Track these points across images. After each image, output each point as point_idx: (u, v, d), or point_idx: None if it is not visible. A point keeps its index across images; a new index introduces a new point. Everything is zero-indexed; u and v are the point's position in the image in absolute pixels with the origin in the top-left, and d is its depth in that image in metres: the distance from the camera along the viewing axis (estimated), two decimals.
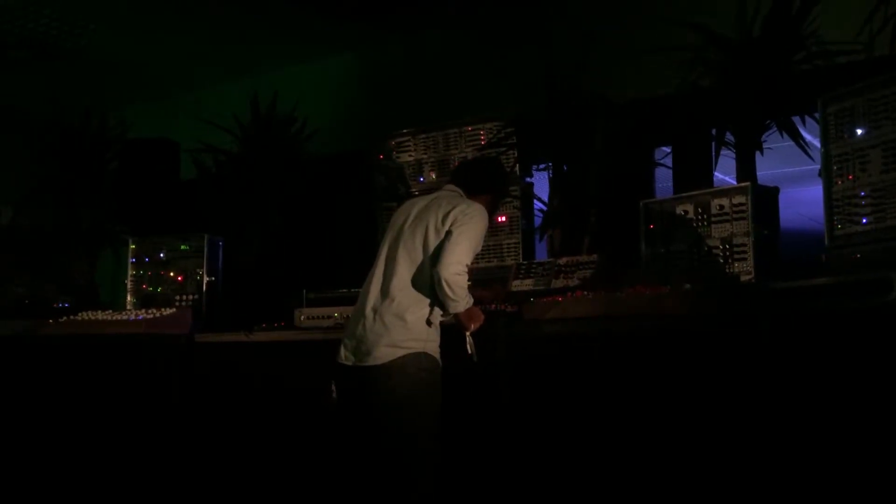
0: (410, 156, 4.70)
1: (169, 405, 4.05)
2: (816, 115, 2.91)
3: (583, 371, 2.95)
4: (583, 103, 3.93)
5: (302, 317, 3.89)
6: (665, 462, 2.72)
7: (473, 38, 5.26)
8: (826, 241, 2.80)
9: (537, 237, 4.26)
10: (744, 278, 3.02)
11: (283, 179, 5.07)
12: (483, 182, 3.15)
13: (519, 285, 3.74)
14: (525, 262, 3.94)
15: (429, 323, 2.84)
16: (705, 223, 3.18)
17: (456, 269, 2.76)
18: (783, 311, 2.51)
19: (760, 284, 2.92)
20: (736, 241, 3.08)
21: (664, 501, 2.72)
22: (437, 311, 2.86)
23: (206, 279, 4.60)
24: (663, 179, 4.27)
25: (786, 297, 2.52)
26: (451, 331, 2.91)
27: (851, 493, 2.30)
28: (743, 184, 3.16)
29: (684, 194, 3.34)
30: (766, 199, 3.11)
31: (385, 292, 2.87)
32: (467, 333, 2.89)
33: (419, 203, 3.04)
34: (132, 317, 4.23)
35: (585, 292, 3.11)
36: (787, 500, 2.43)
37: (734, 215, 3.09)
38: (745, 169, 3.44)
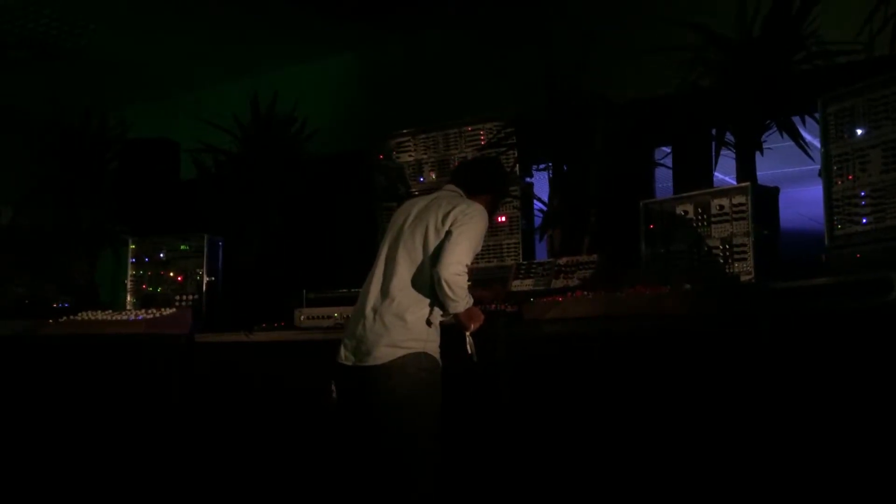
0: (410, 156, 4.70)
1: (169, 405, 4.05)
2: (816, 115, 2.90)
3: (583, 371, 2.95)
4: (583, 103, 3.93)
5: (302, 317, 3.89)
6: (665, 462, 2.72)
7: (473, 38, 5.26)
8: (826, 241, 2.80)
9: (537, 237, 4.26)
10: (744, 278, 3.02)
11: (283, 179, 5.07)
12: (483, 182, 3.15)
13: (519, 285, 3.74)
14: (525, 262, 3.94)
15: (429, 323, 2.84)
16: (705, 223, 3.18)
17: (456, 269, 2.76)
18: (783, 311, 2.51)
19: (760, 284, 2.92)
20: (736, 241, 3.08)
21: (664, 501, 2.72)
22: (437, 311, 2.86)
23: (206, 279, 4.60)
24: (663, 179, 4.27)
25: (786, 297, 2.52)
26: (451, 331, 2.91)
27: (852, 492, 2.30)
28: (743, 184, 3.16)
29: (684, 194, 3.34)
30: (766, 199, 3.11)
31: (385, 292, 2.87)
32: (467, 333, 2.89)
33: (419, 203, 3.04)
34: (132, 317, 4.23)
35: (585, 292, 3.11)
36: (787, 500, 2.43)
37: (734, 215, 3.09)
38: (745, 169, 3.44)
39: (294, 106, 5.09)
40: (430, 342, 2.84)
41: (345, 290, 3.99)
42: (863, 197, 2.69)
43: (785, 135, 3.42)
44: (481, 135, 4.47)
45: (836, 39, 3.30)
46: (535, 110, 4.11)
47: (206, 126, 5.01)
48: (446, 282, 2.74)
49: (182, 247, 4.71)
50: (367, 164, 4.88)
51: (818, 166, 2.88)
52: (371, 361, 2.79)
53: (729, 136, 3.52)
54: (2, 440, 4.43)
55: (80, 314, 4.50)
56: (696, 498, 2.64)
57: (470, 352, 2.89)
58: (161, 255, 4.76)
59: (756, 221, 3.04)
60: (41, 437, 4.36)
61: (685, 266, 3.23)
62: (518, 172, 4.22)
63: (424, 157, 4.66)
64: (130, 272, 4.84)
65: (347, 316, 3.23)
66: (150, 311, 4.29)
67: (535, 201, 4.27)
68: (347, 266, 4.30)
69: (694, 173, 4.00)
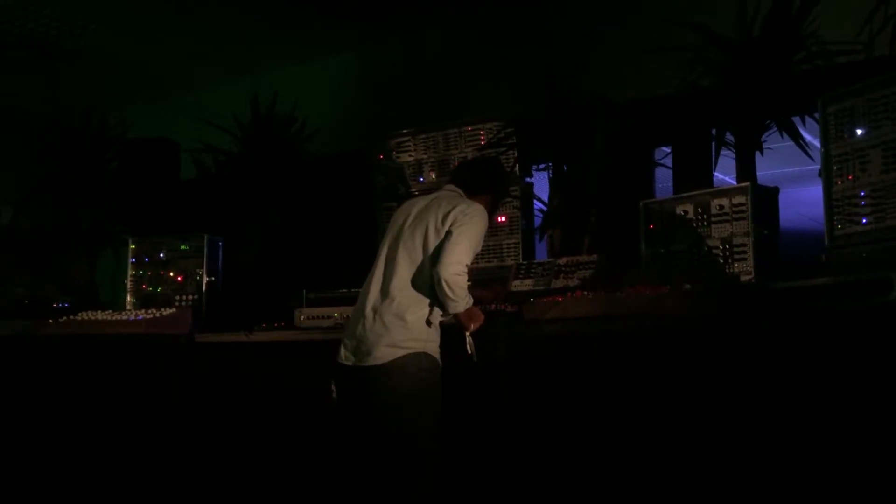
0: (410, 156, 4.70)
1: (169, 405, 4.05)
2: (816, 115, 2.90)
3: (583, 371, 2.95)
4: (583, 103, 3.93)
5: (302, 317, 3.89)
6: (665, 462, 2.71)
7: (473, 38, 5.26)
8: (826, 241, 2.80)
9: (537, 237, 4.26)
10: (744, 278, 3.02)
11: (283, 179, 5.07)
12: (483, 182, 3.15)
13: (519, 285, 3.74)
14: (525, 262, 3.94)
15: (429, 323, 2.84)
16: (705, 223, 3.18)
17: (456, 269, 2.76)
18: (783, 311, 2.51)
19: (760, 284, 2.92)
20: (736, 241, 3.08)
21: (664, 501, 2.72)
22: (437, 311, 2.86)
23: (206, 279, 4.60)
24: (663, 179, 4.27)
25: (786, 297, 2.52)
26: (451, 331, 2.91)
27: (851, 492, 2.30)
28: (743, 184, 3.16)
29: (684, 194, 3.34)
30: (766, 199, 3.11)
31: (385, 292, 2.87)
32: (467, 333, 2.88)
33: (419, 203, 3.04)
34: (132, 317, 4.23)
35: (585, 292, 3.11)
36: (787, 500, 2.43)
37: (734, 215, 3.09)
38: (745, 169, 3.44)
39: (294, 106, 5.09)
40: (430, 342, 2.84)
41: (345, 290, 3.99)
42: (863, 197, 2.69)
43: (785, 135, 3.42)
44: (481, 135, 4.47)
45: (836, 39, 3.30)
46: (535, 110, 4.11)
47: (206, 126, 5.01)
48: (446, 282, 2.74)
49: (182, 247, 4.71)
50: (367, 164, 4.88)
51: (818, 166, 2.88)
52: (371, 361, 2.79)
53: (729, 136, 3.52)
54: (2, 440, 4.43)
55: (80, 314, 4.50)
56: (696, 498, 2.64)
57: (470, 352, 2.89)
58: (161, 255, 4.76)
59: (756, 221, 3.04)
60: (41, 437, 4.36)
61: (685, 266, 3.23)
62: (518, 172, 4.22)
63: (424, 157, 4.66)
64: (130, 272, 4.84)
65: (347, 316, 3.23)
66: (150, 311, 4.29)
67: (535, 201, 4.27)
68: (347, 266, 4.30)
69: (694, 173, 4.00)
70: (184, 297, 4.62)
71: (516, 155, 4.24)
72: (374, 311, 2.86)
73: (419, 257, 2.87)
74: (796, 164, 3.99)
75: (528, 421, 3.07)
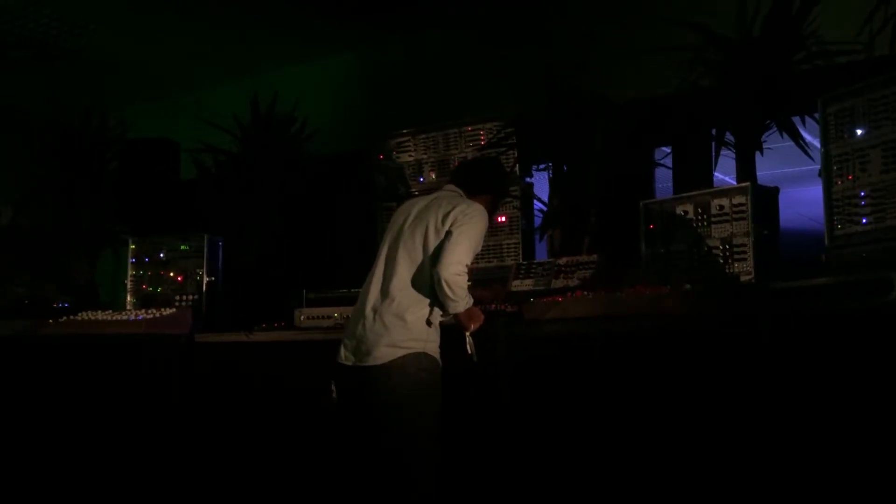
0: (410, 156, 4.70)
1: (169, 405, 4.05)
2: (816, 115, 2.90)
3: (583, 371, 2.95)
4: (583, 103, 3.93)
5: (302, 317, 3.89)
6: (665, 462, 2.71)
7: (473, 38, 5.26)
8: (826, 241, 2.80)
9: (537, 237, 4.26)
10: (744, 278, 3.02)
11: (283, 179, 5.07)
12: (483, 182, 3.15)
13: (519, 285, 3.74)
14: (525, 262, 3.94)
15: (429, 323, 2.84)
16: (705, 223, 3.18)
17: (456, 269, 2.76)
18: (783, 311, 2.51)
19: (760, 284, 2.92)
20: (736, 241, 3.08)
21: (664, 501, 2.72)
22: (437, 311, 2.86)
23: (206, 279, 4.60)
24: (663, 179, 4.26)
25: (786, 297, 2.52)
26: (451, 331, 2.91)
27: (851, 492, 2.30)
28: (743, 184, 3.16)
29: (684, 194, 3.34)
30: (766, 199, 3.11)
31: (385, 292, 2.87)
32: (467, 333, 2.88)
33: (419, 203, 3.04)
34: (132, 317, 4.23)
35: (585, 292, 3.11)
36: (787, 500, 2.43)
37: (734, 215, 3.09)
38: (745, 169, 3.44)
39: (294, 106, 5.08)
40: (430, 342, 2.84)
41: (345, 290, 3.99)
42: (863, 197, 2.69)
43: (785, 135, 3.42)
44: (481, 135, 4.47)
45: (836, 39, 3.30)
46: (535, 110, 4.11)
47: (206, 126, 5.01)
48: (446, 282, 2.74)
49: (182, 247, 4.71)
50: (367, 164, 4.88)
51: (818, 166, 2.88)
52: (371, 361, 2.79)
53: (729, 136, 3.52)
54: (2, 440, 4.43)
55: (80, 314, 4.50)
56: (696, 498, 2.64)
57: (470, 352, 2.89)
58: (161, 255, 4.76)
59: (756, 221, 3.04)
60: (41, 437, 4.36)
61: (685, 266, 3.23)
62: (518, 172, 4.22)
63: (424, 157, 4.66)
64: (130, 272, 4.84)
65: (347, 316, 3.23)
66: (150, 311, 4.29)
67: (535, 201, 4.27)
68: (347, 266, 4.30)
69: (694, 173, 4.00)
70: (184, 297, 4.62)
71: (516, 155, 4.24)
72: (374, 311, 2.86)
73: (419, 257, 2.87)
74: (796, 164, 3.99)
75: (528, 421, 3.07)
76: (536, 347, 3.10)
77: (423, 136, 4.66)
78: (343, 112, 5.80)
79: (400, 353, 2.77)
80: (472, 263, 2.86)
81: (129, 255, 4.86)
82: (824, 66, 3.34)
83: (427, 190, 3.96)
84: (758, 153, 3.45)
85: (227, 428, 3.93)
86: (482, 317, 2.91)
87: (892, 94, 2.61)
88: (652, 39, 3.67)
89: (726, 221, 3.11)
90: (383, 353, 2.77)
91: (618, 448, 2.83)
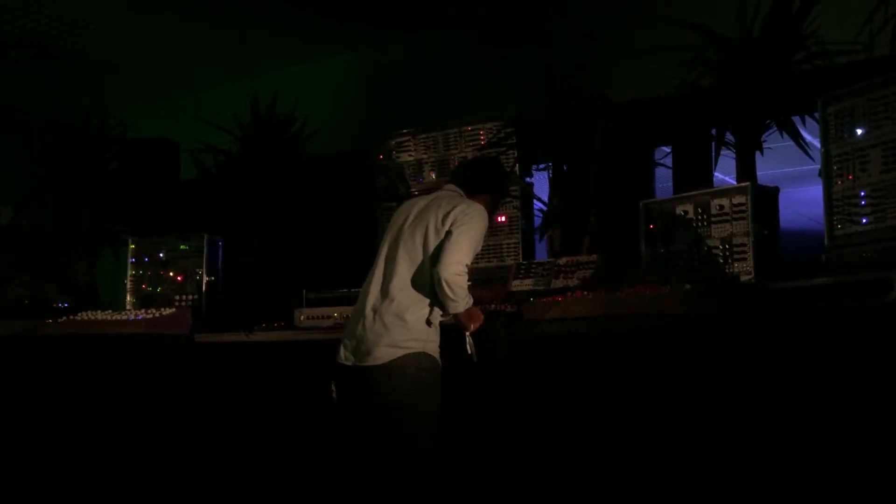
0: (410, 156, 4.70)
1: (169, 405, 4.05)
2: (816, 115, 2.90)
3: (583, 371, 2.95)
4: (583, 103, 3.93)
5: (302, 317, 3.89)
6: (665, 462, 2.71)
7: (473, 38, 5.26)
8: (826, 241, 2.80)
9: (537, 237, 4.26)
10: (744, 278, 3.02)
11: (283, 179, 5.07)
12: (483, 182, 3.15)
13: (519, 285, 3.74)
14: (525, 262, 3.94)
15: (429, 323, 2.84)
16: (705, 223, 3.18)
17: (456, 269, 2.76)
18: (783, 311, 2.51)
19: (760, 284, 2.92)
20: (736, 241, 3.07)
21: (664, 501, 2.72)
22: (437, 311, 2.86)
23: (206, 279, 4.60)
24: (663, 179, 4.26)
25: (786, 297, 2.52)
26: (451, 331, 2.91)
27: (851, 492, 2.30)
28: (743, 184, 3.16)
29: (684, 194, 3.34)
30: (766, 199, 3.11)
31: (385, 292, 2.87)
32: (467, 333, 2.88)
33: (419, 203, 3.04)
34: (132, 317, 4.23)
35: (585, 292, 3.11)
36: (787, 500, 2.43)
37: (734, 215, 3.09)
38: (745, 169, 3.44)
39: (294, 106, 5.09)
40: (429, 342, 2.84)
41: (345, 290, 3.99)
42: (863, 197, 2.69)
43: (785, 135, 3.42)
44: (481, 135, 4.47)
45: (836, 39, 3.30)
46: (535, 110, 4.11)
47: (206, 126, 5.01)
48: (446, 282, 2.74)
49: (182, 247, 4.71)
50: (367, 164, 4.88)
51: (818, 166, 2.88)
52: (371, 361, 2.79)
53: (729, 136, 3.52)
54: (2, 440, 4.43)
55: (80, 314, 4.50)
56: (696, 498, 2.64)
57: (470, 352, 2.89)
58: (161, 255, 4.76)
59: (756, 221, 3.04)
60: (41, 437, 4.36)
61: (685, 266, 3.23)
62: (518, 172, 4.22)
63: (424, 157, 4.66)
64: (130, 272, 4.84)
65: (347, 316, 3.23)
66: (150, 311, 4.29)
67: (535, 201, 4.27)
68: (347, 266, 4.30)
69: (694, 173, 3.99)
70: (184, 297, 4.62)
71: (516, 155, 4.24)
72: (374, 311, 2.86)
73: (419, 257, 2.87)
74: (796, 164, 3.98)
75: (528, 421, 3.07)
76: (536, 347, 3.10)
77: (423, 136, 4.66)
78: (343, 112, 5.80)
79: (400, 353, 2.77)
80: (472, 263, 2.86)
81: (129, 255, 4.86)
82: (824, 66, 3.35)
83: (427, 190, 3.96)
84: (758, 153, 3.45)
85: (227, 428, 3.93)
86: (482, 317, 2.91)
87: (892, 94, 2.61)
88: (652, 39, 3.67)
89: (726, 221, 3.11)
90: (383, 353, 2.77)
91: (618, 448, 2.83)
